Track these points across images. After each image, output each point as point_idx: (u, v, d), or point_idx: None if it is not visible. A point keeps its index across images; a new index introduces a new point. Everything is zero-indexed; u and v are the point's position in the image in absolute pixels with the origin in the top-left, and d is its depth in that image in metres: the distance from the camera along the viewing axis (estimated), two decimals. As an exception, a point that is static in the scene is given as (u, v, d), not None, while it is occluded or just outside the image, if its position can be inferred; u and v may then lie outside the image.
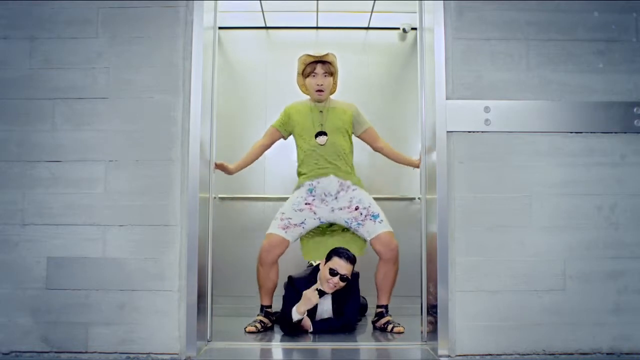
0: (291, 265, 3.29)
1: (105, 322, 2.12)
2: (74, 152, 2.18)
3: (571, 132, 2.20)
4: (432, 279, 2.22)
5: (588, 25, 2.24)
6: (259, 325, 2.74)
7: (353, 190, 2.84)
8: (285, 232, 2.79)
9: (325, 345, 2.44)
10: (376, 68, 3.92)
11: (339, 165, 2.84)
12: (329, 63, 2.89)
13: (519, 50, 2.22)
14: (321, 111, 2.91)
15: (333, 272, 2.64)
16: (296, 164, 2.97)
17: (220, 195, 3.73)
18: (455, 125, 2.18)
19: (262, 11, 3.81)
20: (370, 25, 3.93)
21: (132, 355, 2.11)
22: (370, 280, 2.89)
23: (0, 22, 2.23)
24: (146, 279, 2.14)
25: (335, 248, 2.74)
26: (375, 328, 2.86)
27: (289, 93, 3.22)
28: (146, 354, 2.11)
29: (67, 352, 2.11)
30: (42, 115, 2.19)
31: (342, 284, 2.67)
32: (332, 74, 2.91)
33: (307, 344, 2.49)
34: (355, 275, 2.79)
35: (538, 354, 2.12)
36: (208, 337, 2.35)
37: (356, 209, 2.81)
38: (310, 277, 2.79)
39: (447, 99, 2.19)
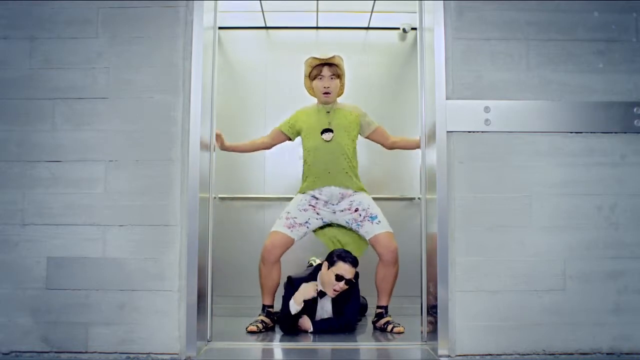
0: (291, 265, 3.30)
1: (105, 322, 2.12)
2: (74, 152, 2.18)
3: (571, 132, 2.20)
4: (432, 279, 2.22)
5: (588, 25, 2.24)
6: (260, 325, 2.74)
7: (354, 194, 2.87)
8: (291, 230, 2.83)
9: (325, 345, 2.43)
10: (376, 68, 3.92)
11: (343, 167, 2.85)
12: (336, 65, 2.92)
13: (519, 50, 2.22)
14: (328, 112, 2.95)
15: (339, 278, 2.65)
16: (300, 163, 3.00)
17: (220, 195, 3.73)
18: (455, 125, 2.18)
19: (262, 11, 3.81)
20: (370, 25, 3.93)
21: (132, 355, 2.11)
22: (370, 280, 2.90)
23: (0, 22, 2.23)
24: (146, 279, 2.14)
25: (338, 251, 2.73)
26: (375, 328, 2.86)
27: (289, 93, 3.23)
28: (146, 354, 2.11)
29: (67, 352, 2.11)
30: (42, 115, 2.19)
31: (346, 287, 2.69)
32: (339, 76, 2.95)
33: (307, 344, 2.49)
34: (355, 276, 2.79)
35: (538, 354, 2.12)
36: (208, 337, 2.35)
37: (356, 211, 2.84)
38: (310, 277, 2.79)
39: (447, 99, 2.19)
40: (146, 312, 2.12)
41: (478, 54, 2.21)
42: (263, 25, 3.94)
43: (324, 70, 2.90)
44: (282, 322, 2.72)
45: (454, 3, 2.23)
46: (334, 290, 2.66)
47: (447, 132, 2.18)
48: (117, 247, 2.15)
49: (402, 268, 2.86)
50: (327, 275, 2.68)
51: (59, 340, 2.12)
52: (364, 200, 2.86)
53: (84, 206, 2.16)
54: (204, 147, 2.27)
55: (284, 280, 2.85)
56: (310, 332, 2.69)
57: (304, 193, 2.91)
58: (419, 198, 3.47)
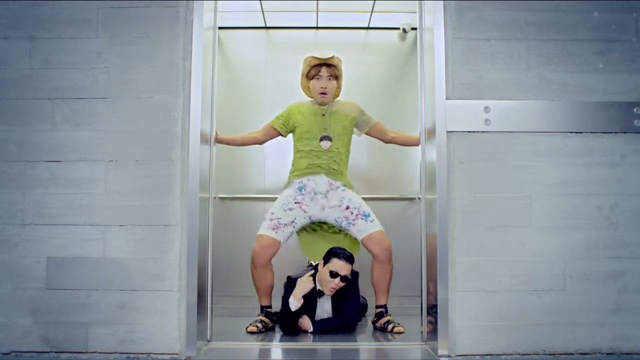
0: (291, 265, 3.30)
1: (105, 322, 2.12)
2: (74, 152, 2.18)
3: (571, 132, 2.20)
4: (432, 279, 2.22)
5: (588, 25, 2.24)
6: (260, 325, 2.74)
7: (343, 190, 2.85)
8: (276, 232, 2.78)
9: (325, 345, 2.43)
10: (376, 68, 3.92)
11: (332, 165, 2.85)
12: (334, 66, 2.90)
13: (519, 50, 2.22)
14: (324, 114, 2.91)
15: (333, 274, 2.65)
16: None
17: (220, 195, 3.73)
18: (455, 125, 2.18)
19: (262, 11, 3.81)
20: (370, 25, 3.93)
21: (132, 355, 2.11)
22: (369, 280, 2.89)
23: (0, 22, 2.23)
24: (146, 279, 2.14)
25: (333, 249, 2.73)
26: (375, 328, 2.86)
27: (289, 93, 3.23)
28: (146, 354, 2.11)
29: (67, 352, 2.11)
30: (42, 115, 2.19)
31: (342, 284, 2.68)
32: (336, 77, 2.93)
33: (307, 344, 2.49)
34: (355, 275, 2.79)
35: (538, 354, 2.12)
36: (208, 337, 2.35)
37: (347, 208, 2.81)
38: (310, 277, 2.79)
39: (447, 99, 2.19)
40: (146, 312, 2.12)
41: (478, 54, 2.21)
42: (263, 25, 3.93)
43: (322, 70, 2.88)
44: (282, 322, 2.72)
45: (454, 3, 2.23)
46: (331, 288, 2.66)
47: (447, 132, 2.18)
48: (117, 247, 2.15)
49: (402, 268, 2.87)
50: (323, 272, 2.68)
51: (59, 340, 2.12)
52: (354, 198, 2.84)
53: (84, 206, 2.16)
54: (204, 147, 2.27)
55: (277, 278, 2.85)
56: (310, 332, 2.69)
57: (289, 185, 2.87)
58: (419, 198, 3.47)
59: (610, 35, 2.24)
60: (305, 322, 2.70)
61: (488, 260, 2.15)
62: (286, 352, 2.43)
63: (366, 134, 3.05)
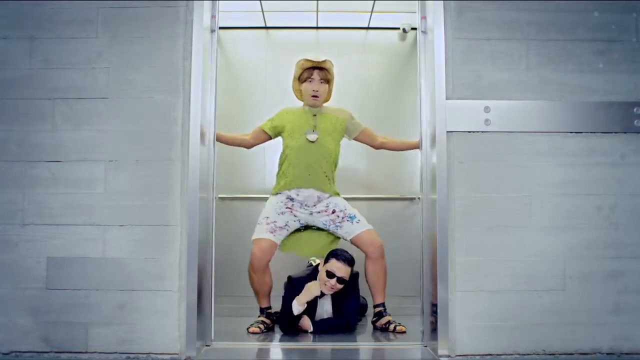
0: (291, 265, 3.30)
1: (105, 322, 2.12)
2: (74, 152, 2.18)
3: (571, 132, 2.20)
4: (432, 279, 2.22)
5: (588, 25, 2.24)
6: (262, 326, 2.75)
7: (329, 198, 2.86)
8: (274, 235, 2.79)
9: (325, 345, 2.44)
10: (376, 68, 3.92)
11: (324, 170, 2.84)
12: (326, 70, 2.91)
13: (519, 50, 2.22)
14: (314, 115, 2.93)
15: (330, 275, 2.65)
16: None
17: (220, 195, 3.73)
18: (455, 125, 2.18)
19: (262, 11, 3.81)
20: (370, 25, 3.93)
21: (132, 355, 2.11)
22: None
23: (0, 22, 2.23)
24: (146, 279, 2.14)
25: (335, 250, 2.74)
26: (375, 328, 2.86)
27: (289, 93, 3.23)
28: (146, 354, 2.11)
29: (67, 352, 2.11)
30: (42, 115, 2.19)
31: (339, 286, 2.68)
32: (328, 81, 2.93)
33: (307, 344, 2.49)
34: (354, 275, 2.79)
35: (538, 354, 2.12)
36: (210, 338, 2.35)
37: (333, 212, 2.84)
38: (309, 277, 2.79)
39: (447, 99, 2.19)
40: (146, 312, 2.12)
41: (478, 54, 2.21)
42: (263, 25, 3.93)
43: (314, 73, 2.89)
44: (282, 322, 2.72)
45: (454, 3, 2.23)
46: (327, 287, 2.66)
47: (447, 132, 2.18)
48: (117, 247, 2.15)
49: (402, 268, 2.87)
50: (321, 272, 2.69)
51: (59, 340, 2.12)
52: (340, 202, 2.87)
53: (84, 206, 2.16)
54: (204, 147, 2.27)
55: (277, 278, 2.85)
56: (310, 332, 2.69)
57: (279, 193, 2.87)
58: (419, 198, 3.47)
59: (610, 35, 2.24)
60: (306, 322, 2.70)
61: (488, 260, 2.15)
62: (286, 352, 2.43)
63: (355, 139, 3.05)
